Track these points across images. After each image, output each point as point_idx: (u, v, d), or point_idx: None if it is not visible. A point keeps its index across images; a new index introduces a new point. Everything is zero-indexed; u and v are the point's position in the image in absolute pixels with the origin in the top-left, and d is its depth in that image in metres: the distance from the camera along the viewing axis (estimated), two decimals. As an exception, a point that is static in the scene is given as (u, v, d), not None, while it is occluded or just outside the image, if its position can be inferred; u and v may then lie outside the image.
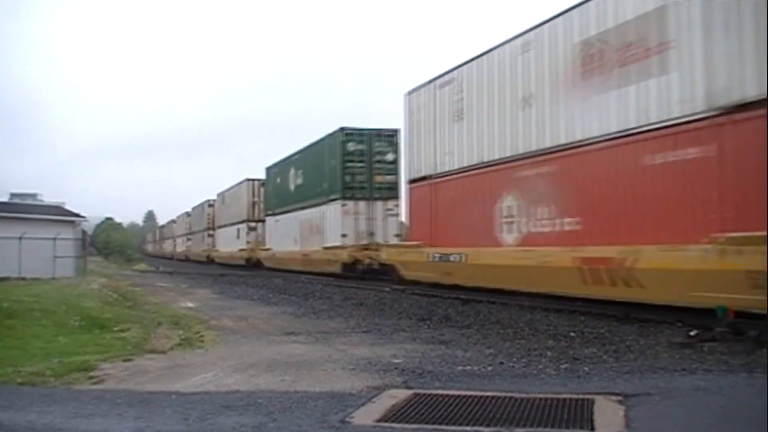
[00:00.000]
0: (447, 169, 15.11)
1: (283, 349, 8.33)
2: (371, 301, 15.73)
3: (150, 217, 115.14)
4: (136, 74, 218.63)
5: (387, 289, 18.14)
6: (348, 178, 23.75)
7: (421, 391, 5.57)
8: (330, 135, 24.98)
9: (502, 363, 7.13)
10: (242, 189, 38.66)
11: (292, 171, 30.14)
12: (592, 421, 4.54)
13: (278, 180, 32.42)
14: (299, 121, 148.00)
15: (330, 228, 24.54)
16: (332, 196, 24.40)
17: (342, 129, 24.06)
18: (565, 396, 5.27)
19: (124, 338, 9.74)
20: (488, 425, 4.48)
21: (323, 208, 25.35)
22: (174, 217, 71.86)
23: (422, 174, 16.28)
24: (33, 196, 43.09)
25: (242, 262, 37.54)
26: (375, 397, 5.34)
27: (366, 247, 22.81)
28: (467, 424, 4.52)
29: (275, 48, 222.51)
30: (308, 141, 29.72)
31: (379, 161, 24.05)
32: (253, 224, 37.08)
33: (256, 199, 37.06)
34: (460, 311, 12.74)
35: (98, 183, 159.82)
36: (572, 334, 9.31)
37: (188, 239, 59.84)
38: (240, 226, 38.64)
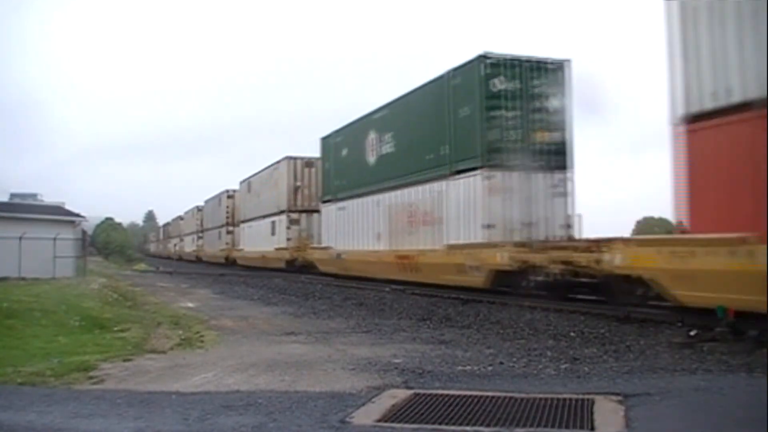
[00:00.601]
0: None
1: (283, 349, 8.33)
2: (371, 301, 15.75)
3: (150, 217, 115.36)
4: (136, 74, 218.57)
5: (387, 289, 18.16)
6: (494, 134, 15.08)
7: (421, 391, 5.57)
8: (461, 68, 16.18)
9: (502, 363, 7.13)
10: (281, 170, 29.81)
11: (373, 136, 21.07)
12: (592, 421, 4.54)
13: (344, 152, 23.46)
14: (299, 121, 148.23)
15: (458, 215, 16.04)
16: (462, 166, 15.93)
17: (483, 57, 15.34)
18: (565, 396, 5.28)
19: (124, 338, 9.74)
20: (488, 425, 4.48)
21: (440, 184, 16.83)
22: (181, 213, 65.05)
23: (731, 100, 8.00)
24: (33, 196, 43.14)
25: (281, 265, 29.49)
26: (375, 397, 5.35)
27: (555, 246, 13.21)
28: (467, 424, 4.52)
29: (276, 48, 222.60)
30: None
31: (538, 109, 15.36)
32: (295, 216, 28.88)
33: (299, 183, 29.02)
34: (460, 311, 12.75)
35: (98, 183, 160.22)
36: (572, 334, 9.32)
37: (199, 237, 52.39)
38: (276, 218, 30.26)
